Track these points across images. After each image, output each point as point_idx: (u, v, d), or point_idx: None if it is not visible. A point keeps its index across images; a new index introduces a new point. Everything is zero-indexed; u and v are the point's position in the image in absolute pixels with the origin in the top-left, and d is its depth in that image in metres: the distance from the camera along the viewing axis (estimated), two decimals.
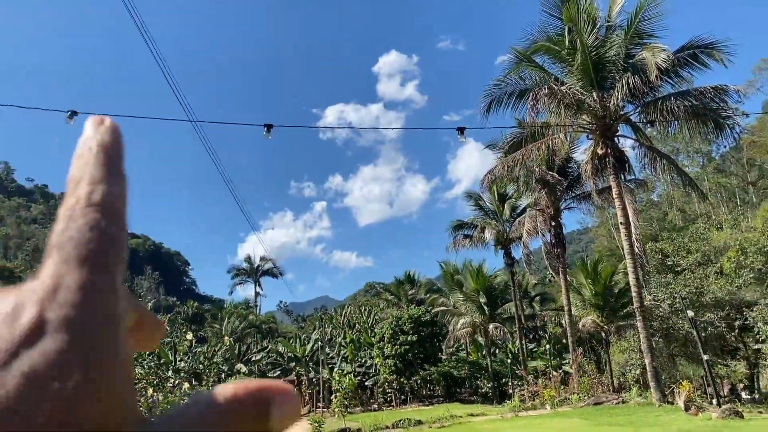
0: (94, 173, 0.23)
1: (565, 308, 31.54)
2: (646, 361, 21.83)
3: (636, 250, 22.83)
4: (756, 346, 31.47)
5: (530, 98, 23.66)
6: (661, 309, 32.76)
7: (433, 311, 45.10)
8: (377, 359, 42.66)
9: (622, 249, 25.00)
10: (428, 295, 58.80)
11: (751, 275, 31.90)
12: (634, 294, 22.52)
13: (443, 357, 45.82)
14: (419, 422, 23.26)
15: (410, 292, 60.65)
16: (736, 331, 32.30)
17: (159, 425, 0.25)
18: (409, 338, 40.94)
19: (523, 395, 31.21)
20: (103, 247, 0.23)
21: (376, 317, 54.25)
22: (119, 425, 0.23)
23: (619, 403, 22.26)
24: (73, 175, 0.24)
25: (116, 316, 0.24)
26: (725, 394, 34.86)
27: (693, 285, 32.86)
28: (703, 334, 32.86)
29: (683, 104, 22.69)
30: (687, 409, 18.48)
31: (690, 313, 23.33)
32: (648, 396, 22.75)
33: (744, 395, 34.34)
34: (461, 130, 17.93)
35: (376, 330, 45.76)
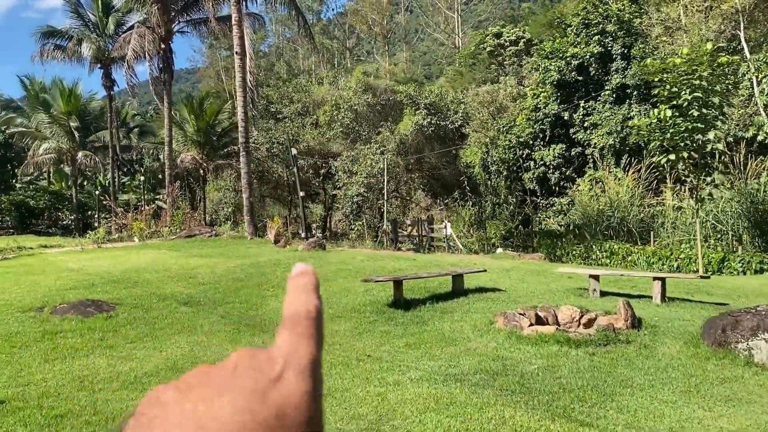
0: (309, 298, 0.39)
1: (166, 139, 29.82)
2: (244, 196, 22.03)
3: (249, 83, 22.20)
4: (333, 192, 35.12)
5: None
6: (259, 152, 33.64)
7: (7, 132, 38.16)
8: None
9: (230, 92, 24.18)
10: (3, 113, 49.52)
11: (340, 129, 34.93)
12: (240, 129, 22.05)
13: (18, 185, 39.96)
14: None
15: None
16: (321, 178, 35.37)
17: None
18: None
19: (110, 228, 29.05)
20: (320, 334, 0.38)
21: None
22: None
23: (212, 236, 22.15)
24: (294, 298, 0.39)
25: (322, 383, 0.38)
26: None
27: (291, 132, 34.46)
28: (294, 179, 35.23)
29: None
30: (276, 242, 19.35)
31: (294, 151, 24.19)
32: (241, 230, 23.27)
33: (318, 234, 38.57)
34: None
35: None
